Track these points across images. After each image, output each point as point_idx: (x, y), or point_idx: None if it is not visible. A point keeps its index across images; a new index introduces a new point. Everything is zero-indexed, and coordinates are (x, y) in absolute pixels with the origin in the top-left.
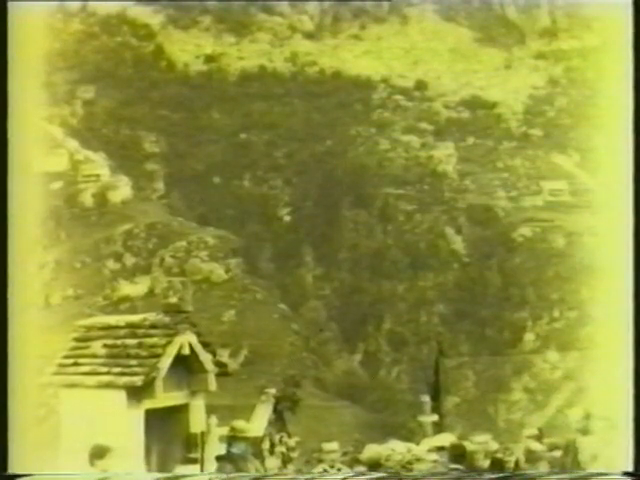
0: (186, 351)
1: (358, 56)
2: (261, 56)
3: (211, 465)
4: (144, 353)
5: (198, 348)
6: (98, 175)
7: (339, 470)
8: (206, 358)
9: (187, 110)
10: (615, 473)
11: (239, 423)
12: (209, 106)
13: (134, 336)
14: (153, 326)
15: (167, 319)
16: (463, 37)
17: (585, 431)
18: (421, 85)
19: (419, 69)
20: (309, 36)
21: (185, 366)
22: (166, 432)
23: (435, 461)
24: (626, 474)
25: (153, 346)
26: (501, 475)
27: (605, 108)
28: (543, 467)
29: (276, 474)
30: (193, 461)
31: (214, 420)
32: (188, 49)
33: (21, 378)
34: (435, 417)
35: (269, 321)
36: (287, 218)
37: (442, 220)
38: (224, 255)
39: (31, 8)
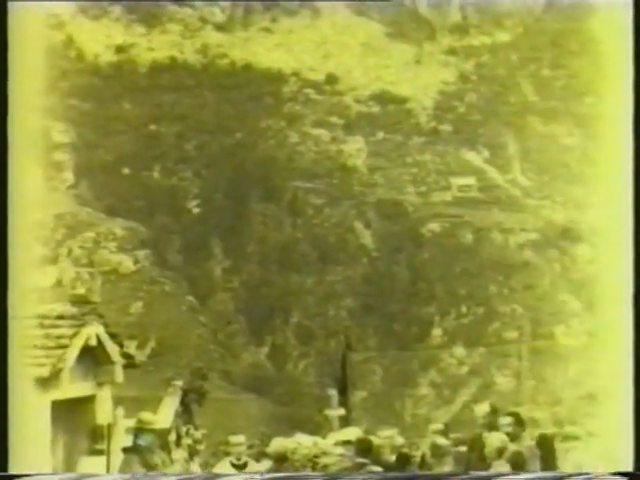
0: (93, 342)
1: (269, 49)
2: (172, 47)
3: (117, 457)
4: (51, 344)
5: (105, 339)
6: None
7: (245, 463)
8: (113, 349)
9: (97, 100)
10: (611, 473)
11: (146, 415)
12: (119, 97)
13: (41, 327)
14: (60, 317)
15: (74, 310)
16: (374, 32)
17: (491, 426)
18: (332, 79)
19: (330, 63)
20: (220, 28)
21: (92, 357)
22: (72, 423)
23: (341, 455)
24: (621, 474)
25: (60, 337)
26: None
27: (515, 105)
28: (449, 462)
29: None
30: (99, 452)
31: (121, 412)
32: (98, 39)
33: None
34: (342, 411)
35: (177, 313)
36: (196, 210)
37: (351, 214)
38: (132, 246)
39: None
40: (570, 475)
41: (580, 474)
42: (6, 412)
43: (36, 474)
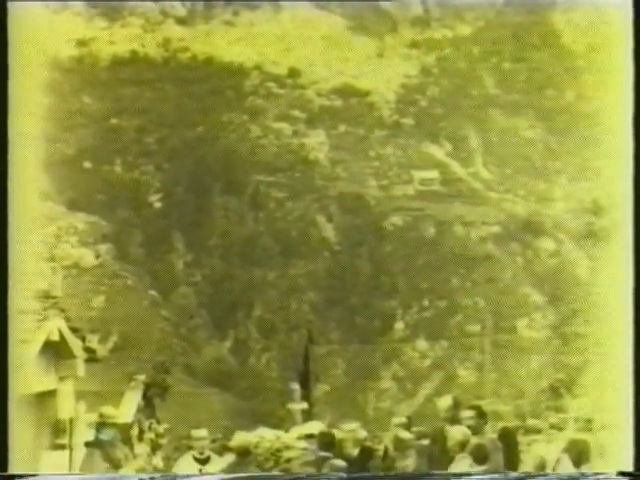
0: (55, 337)
1: (231, 42)
2: (133, 41)
3: (80, 451)
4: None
5: (67, 334)
6: None
7: (208, 458)
8: (75, 344)
9: (58, 94)
10: (611, 473)
11: (108, 409)
12: (80, 90)
13: None
14: (22, 311)
15: (36, 304)
16: (336, 25)
17: (453, 420)
18: (294, 72)
19: (292, 56)
20: (181, 22)
21: (54, 351)
22: (34, 418)
23: (304, 449)
24: (623, 474)
25: (22, 331)
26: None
27: (477, 98)
28: (411, 456)
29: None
30: (61, 447)
31: (83, 406)
32: (59, 33)
33: None
34: (304, 405)
35: (139, 307)
36: (158, 204)
37: (313, 208)
38: (94, 241)
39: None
40: (571, 475)
41: (580, 474)
42: (6, 412)
43: (36, 474)
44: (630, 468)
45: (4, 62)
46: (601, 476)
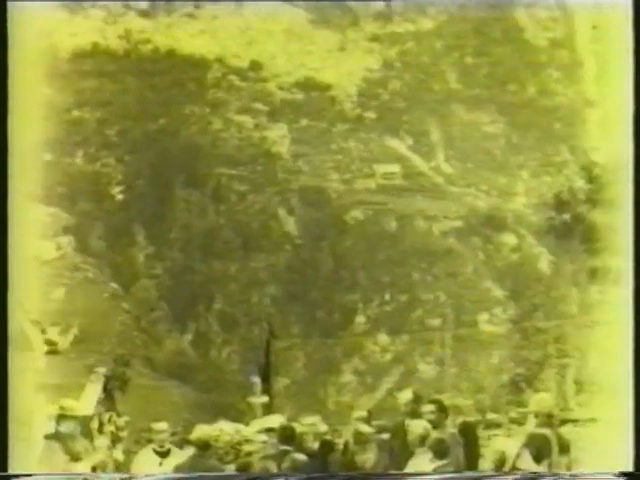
0: (14, 328)
1: (193, 35)
2: (94, 33)
3: (39, 444)
4: None
5: (27, 326)
6: None
7: (168, 451)
8: (35, 336)
9: (19, 86)
10: (611, 473)
11: (68, 402)
12: (41, 82)
13: None
14: None
15: None
16: (298, 18)
17: (414, 414)
18: (255, 65)
19: (254, 49)
20: (143, 14)
21: (14, 344)
22: None
23: (264, 442)
24: (623, 474)
25: None
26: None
27: (439, 92)
28: (372, 449)
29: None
30: (21, 439)
31: (42, 398)
32: (21, 24)
33: None
34: (265, 398)
35: (100, 300)
36: (119, 197)
37: (275, 201)
38: (54, 233)
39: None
40: (573, 475)
41: (581, 474)
42: (6, 412)
43: (36, 474)
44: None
45: (4, 62)
46: (601, 476)
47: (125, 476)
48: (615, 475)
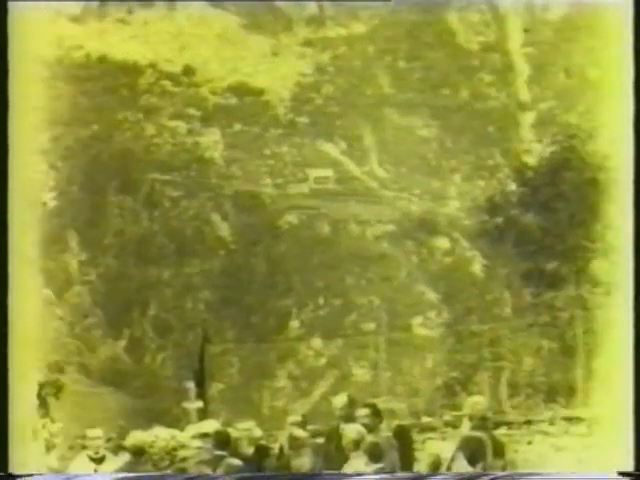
0: None
1: (125, 40)
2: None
3: None
4: None
5: None
6: None
7: (103, 457)
8: None
9: None
10: (610, 473)
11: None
12: None
13: None
14: None
15: None
16: (230, 23)
17: (348, 418)
18: (188, 71)
19: (186, 55)
20: (75, 20)
21: None
22: None
23: (199, 448)
24: (622, 474)
25: None
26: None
27: (372, 97)
28: (307, 454)
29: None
30: None
31: None
32: None
33: None
34: (200, 404)
35: (33, 306)
36: (52, 203)
37: (208, 206)
38: None
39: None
40: (573, 475)
41: (581, 475)
42: (6, 412)
43: (36, 474)
44: (629, 467)
45: (4, 63)
46: (601, 476)
47: (126, 476)
48: (615, 475)
